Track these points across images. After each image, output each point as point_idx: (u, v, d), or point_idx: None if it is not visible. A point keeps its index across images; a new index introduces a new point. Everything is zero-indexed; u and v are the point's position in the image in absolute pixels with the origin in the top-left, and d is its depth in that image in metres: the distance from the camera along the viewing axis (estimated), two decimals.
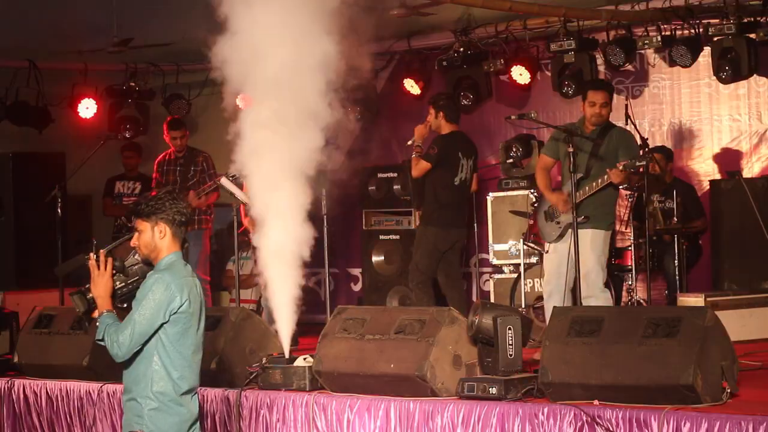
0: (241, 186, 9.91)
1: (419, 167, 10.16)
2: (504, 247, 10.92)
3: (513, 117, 9.48)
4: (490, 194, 11.12)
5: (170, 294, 5.29)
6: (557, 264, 8.77)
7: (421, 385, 7.11)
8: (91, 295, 5.45)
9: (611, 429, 6.39)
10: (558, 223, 8.82)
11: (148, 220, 5.42)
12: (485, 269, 11.68)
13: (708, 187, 10.87)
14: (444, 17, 11.44)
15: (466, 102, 11.95)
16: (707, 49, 10.63)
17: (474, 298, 11.54)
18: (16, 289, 11.79)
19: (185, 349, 5.38)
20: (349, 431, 7.22)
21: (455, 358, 7.21)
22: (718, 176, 11.06)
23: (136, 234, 5.47)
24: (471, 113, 12.19)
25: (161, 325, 5.30)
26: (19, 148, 12.70)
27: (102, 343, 5.36)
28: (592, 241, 8.55)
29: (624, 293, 10.30)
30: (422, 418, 7.00)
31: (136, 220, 5.48)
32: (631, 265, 10.11)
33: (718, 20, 10.39)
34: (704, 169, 11.28)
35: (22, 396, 8.70)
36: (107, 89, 12.99)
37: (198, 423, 5.50)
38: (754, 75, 10.59)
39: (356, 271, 12.64)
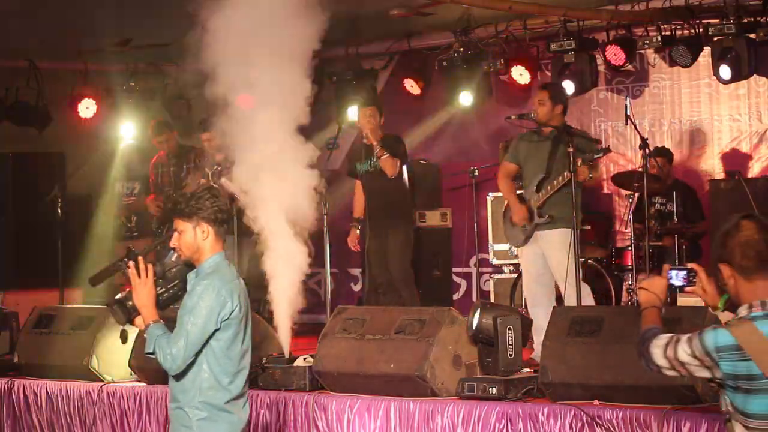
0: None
1: (396, 165, 9.84)
2: (504, 247, 10.91)
3: (513, 117, 9.50)
4: (490, 194, 11.12)
5: (221, 300, 5.05)
6: (533, 269, 8.80)
7: (421, 385, 7.11)
8: (131, 303, 5.19)
9: (611, 429, 6.39)
10: (524, 226, 8.85)
11: (189, 221, 5.16)
12: (485, 269, 11.68)
13: (708, 187, 10.87)
14: (444, 17, 11.43)
15: (466, 102, 11.95)
16: (707, 49, 10.62)
17: (474, 298, 11.54)
18: (16, 289, 11.78)
19: (235, 354, 5.14)
20: (349, 431, 7.22)
21: (455, 358, 7.22)
22: (718, 176, 11.05)
23: (176, 235, 5.20)
24: (471, 113, 12.19)
25: (213, 333, 5.06)
26: (19, 148, 12.70)
27: (152, 356, 5.10)
28: (561, 242, 8.56)
29: (624, 293, 10.29)
30: (422, 418, 7.00)
31: (175, 220, 5.20)
32: (631, 265, 10.11)
33: (718, 20, 10.38)
34: (704, 169, 11.28)
35: (22, 396, 8.70)
36: (107, 89, 12.99)
37: (248, 428, 5.28)
38: (754, 75, 10.58)
39: (356, 271, 12.63)
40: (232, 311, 5.07)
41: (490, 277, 11.29)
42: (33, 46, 11.87)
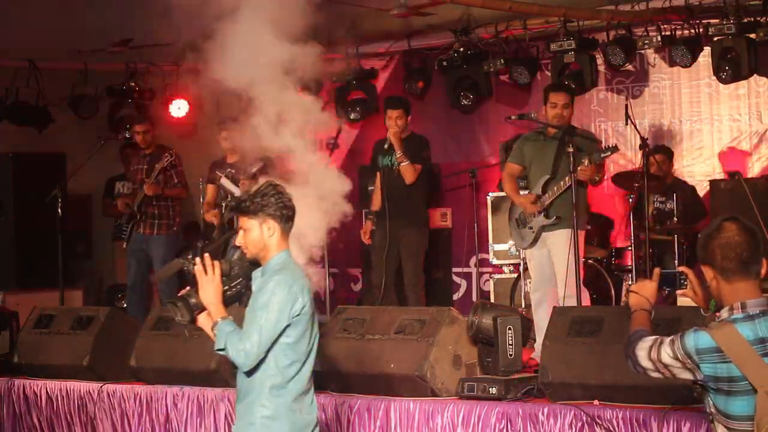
0: (237, 183, 9.90)
1: (415, 172, 9.88)
2: (504, 247, 10.91)
3: (513, 117, 9.49)
4: (490, 194, 11.12)
5: (293, 296, 4.95)
6: (540, 270, 8.76)
7: (421, 385, 7.11)
8: (194, 300, 5.07)
9: (611, 429, 6.39)
10: (531, 228, 8.79)
11: (255, 218, 5.05)
12: (485, 269, 11.68)
13: (708, 187, 10.87)
14: (444, 17, 11.43)
15: (466, 102, 11.95)
16: (707, 49, 10.63)
17: (474, 298, 11.54)
18: (16, 289, 11.79)
19: (302, 351, 5.03)
20: (349, 431, 7.22)
21: (455, 358, 7.22)
22: (718, 176, 11.05)
23: (242, 232, 5.09)
24: (471, 113, 12.19)
25: (284, 329, 4.95)
26: (19, 148, 12.71)
27: (223, 353, 4.97)
28: (567, 242, 8.53)
29: (624, 293, 10.29)
30: (422, 418, 7.01)
31: (241, 218, 5.10)
32: (631, 265, 10.11)
33: (718, 20, 10.38)
34: (704, 169, 11.28)
35: (22, 396, 8.70)
36: (107, 89, 12.99)
37: (317, 428, 5.14)
38: (754, 75, 10.58)
39: (356, 271, 12.64)
40: (303, 307, 4.98)
41: (490, 277, 11.28)
42: (33, 46, 11.87)
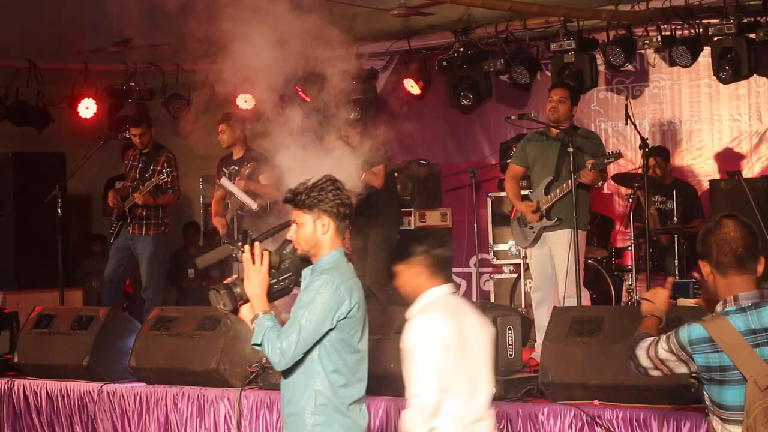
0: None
1: (378, 175, 9.58)
2: (504, 247, 10.92)
3: (513, 117, 9.48)
4: (490, 194, 11.13)
5: (340, 297, 4.69)
6: (542, 270, 8.74)
7: None
8: (239, 290, 4.82)
9: (611, 429, 6.39)
10: (532, 228, 8.76)
11: (309, 213, 4.78)
12: (485, 269, 11.68)
13: (708, 187, 10.87)
14: (444, 17, 11.44)
15: (466, 102, 11.94)
16: (707, 49, 10.63)
17: (474, 298, 11.54)
18: (16, 289, 11.79)
19: (351, 356, 4.77)
20: None
21: None
22: (718, 176, 11.04)
23: (294, 226, 4.83)
24: (471, 113, 12.20)
25: (327, 332, 4.70)
26: (19, 148, 12.71)
27: (259, 348, 4.75)
28: (568, 242, 8.49)
29: (624, 293, 10.29)
30: None
31: (295, 211, 4.82)
32: (631, 265, 10.11)
33: (718, 20, 10.39)
34: (704, 169, 11.28)
35: (22, 396, 8.70)
36: (107, 89, 12.99)
37: None
38: (754, 75, 10.58)
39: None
40: (350, 310, 4.73)
41: (490, 277, 11.29)
42: (33, 46, 11.87)
